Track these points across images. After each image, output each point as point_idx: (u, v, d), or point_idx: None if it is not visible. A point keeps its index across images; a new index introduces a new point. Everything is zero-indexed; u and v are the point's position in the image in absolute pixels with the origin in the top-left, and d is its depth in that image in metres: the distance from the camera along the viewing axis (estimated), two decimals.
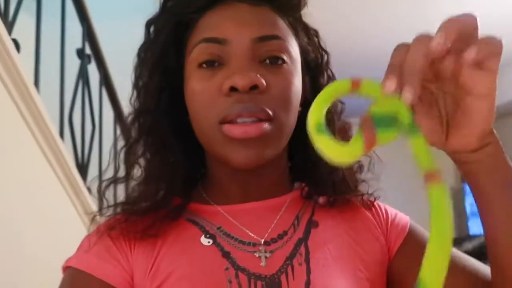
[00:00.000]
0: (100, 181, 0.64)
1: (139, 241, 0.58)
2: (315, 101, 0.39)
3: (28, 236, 1.53)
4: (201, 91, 0.57)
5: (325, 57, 0.66)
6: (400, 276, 0.61)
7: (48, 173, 1.72)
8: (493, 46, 0.39)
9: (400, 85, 0.38)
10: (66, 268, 0.58)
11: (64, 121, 1.95)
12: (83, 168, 2.05)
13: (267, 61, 0.57)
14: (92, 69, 2.22)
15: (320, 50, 0.66)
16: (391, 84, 0.38)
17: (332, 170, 0.63)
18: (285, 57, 0.58)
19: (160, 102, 0.61)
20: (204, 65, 0.57)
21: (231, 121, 0.55)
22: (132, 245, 0.58)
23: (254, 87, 0.54)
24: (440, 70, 0.41)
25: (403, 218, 0.66)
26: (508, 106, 3.72)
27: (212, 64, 0.57)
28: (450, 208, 0.35)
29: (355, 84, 0.39)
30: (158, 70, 0.61)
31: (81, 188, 1.89)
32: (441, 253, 0.33)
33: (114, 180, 0.63)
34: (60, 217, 1.78)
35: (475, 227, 4.45)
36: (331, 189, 0.63)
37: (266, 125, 0.55)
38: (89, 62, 2.17)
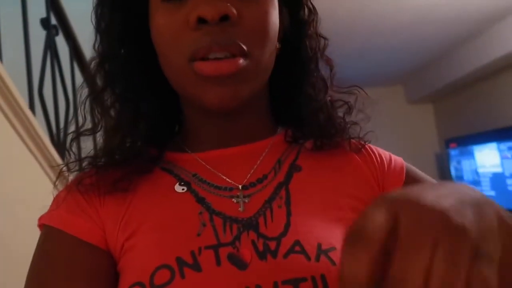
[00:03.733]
0: (65, 134, 0.58)
1: (109, 193, 0.55)
2: None
3: (4, 223, 1.42)
4: (166, 26, 0.52)
5: None
6: None
7: (23, 152, 1.61)
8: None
9: None
10: (41, 226, 0.56)
11: (34, 96, 1.83)
12: (59, 146, 1.94)
13: None
14: (61, 41, 2.09)
15: None
16: None
17: (316, 110, 0.58)
18: None
19: (126, 44, 0.57)
20: None
21: (203, 58, 0.50)
22: (102, 197, 0.55)
23: (225, 18, 0.49)
24: None
25: (398, 161, 0.61)
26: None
27: None
28: None
29: None
30: (120, 7, 0.56)
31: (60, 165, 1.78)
32: None
33: (81, 133, 0.59)
34: (41, 198, 1.67)
35: None
36: (317, 132, 0.59)
37: (241, 61, 0.50)
38: (57, 33, 2.04)
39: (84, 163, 0.59)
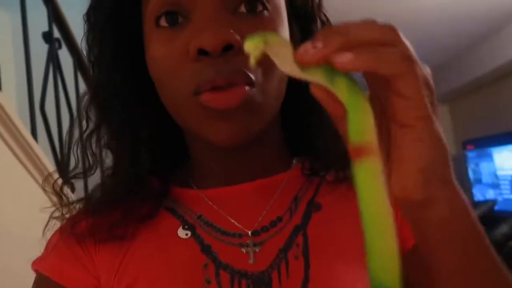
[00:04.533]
0: (69, 152, 0.56)
1: (105, 241, 0.51)
2: None
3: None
4: (164, 56, 0.47)
5: None
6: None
7: (26, 179, 1.55)
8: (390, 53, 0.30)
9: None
10: (35, 270, 0.53)
11: (36, 112, 1.77)
12: (63, 164, 1.88)
13: (243, 9, 0.46)
14: (63, 54, 2.03)
15: None
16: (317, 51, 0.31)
17: (336, 137, 0.51)
18: (265, 1, 0.47)
19: (119, 73, 0.52)
20: (164, 22, 0.47)
21: (210, 89, 0.45)
22: (97, 244, 0.51)
23: (228, 48, 0.44)
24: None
25: None
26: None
27: (174, 19, 0.47)
28: (382, 193, 0.28)
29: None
30: (111, 33, 0.51)
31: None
32: (383, 246, 0.27)
33: (74, 175, 0.56)
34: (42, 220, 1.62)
35: (479, 193, 4.42)
36: (338, 162, 0.51)
37: (246, 88, 0.45)
38: (59, 47, 1.99)
39: (79, 204, 0.55)
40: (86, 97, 0.54)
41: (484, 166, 4.34)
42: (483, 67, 3.96)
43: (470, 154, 4.52)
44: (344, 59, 0.29)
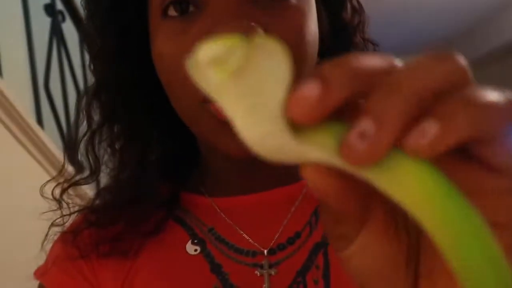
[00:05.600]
0: (76, 132, 0.52)
1: (108, 254, 0.48)
2: None
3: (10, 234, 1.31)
4: (171, 55, 0.41)
5: None
6: None
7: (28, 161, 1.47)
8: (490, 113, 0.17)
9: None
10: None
11: (39, 91, 1.68)
12: (70, 144, 1.80)
13: None
14: (68, 28, 1.92)
15: None
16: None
17: None
18: None
19: (123, 70, 0.47)
20: (173, 11, 0.41)
21: None
22: (100, 256, 0.48)
23: None
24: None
25: None
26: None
27: (184, 8, 0.41)
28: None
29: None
30: (113, 25, 0.46)
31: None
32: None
33: (74, 182, 0.51)
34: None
35: None
36: None
37: None
38: (63, 19, 1.87)
39: (81, 210, 0.51)
40: (86, 94, 0.50)
41: None
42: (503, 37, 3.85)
43: None
44: (428, 139, 0.17)
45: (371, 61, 0.18)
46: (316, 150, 0.17)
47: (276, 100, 0.16)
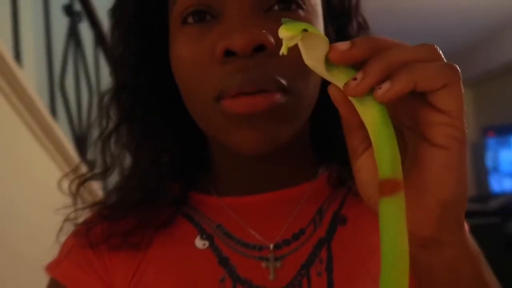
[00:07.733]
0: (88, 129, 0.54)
1: (120, 247, 0.49)
2: None
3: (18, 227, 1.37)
4: (189, 58, 0.44)
5: None
6: None
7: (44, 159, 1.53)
8: (432, 69, 0.30)
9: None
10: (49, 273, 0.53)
11: (55, 89, 1.74)
12: (81, 141, 1.86)
13: (276, 7, 0.44)
14: (83, 29, 1.98)
15: None
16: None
17: None
18: (300, 0, 0.44)
19: (143, 74, 0.50)
20: (191, 20, 0.44)
21: (233, 96, 0.42)
22: (112, 250, 0.50)
23: (259, 48, 0.41)
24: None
25: None
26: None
27: (202, 17, 0.44)
28: (405, 232, 0.28)
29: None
30: (136, 32, 0.49)
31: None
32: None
33: (90, 177, 0.54)
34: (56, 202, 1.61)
35: (496, 182, 4.36)
36: None
37: (277, 96, 0.42)
38: (80, 20, 1.94)
39: (95, 207, 0.53)
40: (107, 96, 0.53)
41: (504, 154, 4.27)
42: (509, 53, 3.85)
43: (490, 141, 4.44)
44: (383, 89, 0.29)
45: (383, 41, 0.31)
46: (333, 80, 0.32)
47: (321, 52, 0.31)
